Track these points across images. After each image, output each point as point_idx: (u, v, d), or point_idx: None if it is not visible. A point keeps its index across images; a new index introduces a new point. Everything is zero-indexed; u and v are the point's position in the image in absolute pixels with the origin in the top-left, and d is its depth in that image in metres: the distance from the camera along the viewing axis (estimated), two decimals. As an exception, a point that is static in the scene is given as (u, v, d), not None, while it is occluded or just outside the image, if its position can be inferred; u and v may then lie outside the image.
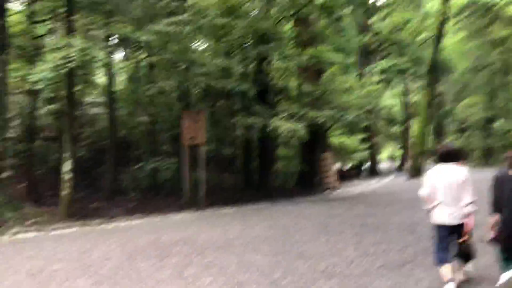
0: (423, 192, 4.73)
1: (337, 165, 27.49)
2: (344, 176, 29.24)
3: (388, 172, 34.88)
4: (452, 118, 41.82)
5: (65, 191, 10.49)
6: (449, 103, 41.82)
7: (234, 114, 14.60)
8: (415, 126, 24.54)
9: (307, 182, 19.48)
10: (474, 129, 34.35)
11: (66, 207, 10.48)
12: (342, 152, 25.68)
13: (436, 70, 23.78)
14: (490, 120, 31.68)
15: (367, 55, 30.75)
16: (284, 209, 11.73)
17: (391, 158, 41.05)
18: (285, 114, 14.15)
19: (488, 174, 5.45)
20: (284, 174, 20.15)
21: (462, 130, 36.37)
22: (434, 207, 4.62)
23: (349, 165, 32.05)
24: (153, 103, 14.20)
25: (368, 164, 33.08)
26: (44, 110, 13.48)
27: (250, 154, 17.48)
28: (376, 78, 15.19)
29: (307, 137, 13.86)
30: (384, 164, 42.81)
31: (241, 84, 13.10)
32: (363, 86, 15.31)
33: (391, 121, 38.55)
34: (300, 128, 12.66)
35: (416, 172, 23.13)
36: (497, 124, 30.15)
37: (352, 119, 14.37)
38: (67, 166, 10.52)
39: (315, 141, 19.19)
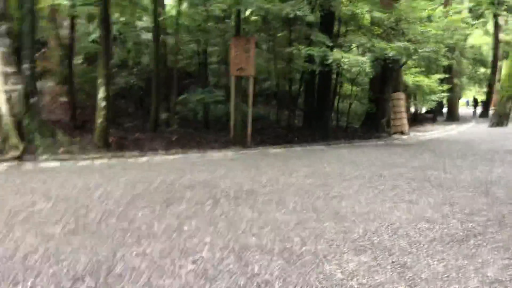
0: None
1: (411, 107, 25.17)
2: (419, 119, 26.94)
3: (469, 118, 31.88)
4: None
5: (99, 119, 9.86)
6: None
7: (292, 45, 13.06)
8: (504, 68, 21.30)
9: (373, 124, 17.78)
10: None
11: (101, 136, 9.88)
12: (418, 93, 23.27)
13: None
14: None
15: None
16: (337, 153, 10.39)
17: (475, 102, 37.21)
18: (351, 45, 12.41)
19: None
20: (349, 114, 18.47)
21: None
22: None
23: (424, 108, 29.44)
24: (204, 29, 12.94)
25: (446, 108, 30.24)
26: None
27: (312, 91, 15.94)
28: (464, 7, 12.60)
29: (373, 73, 12.10)
30: (466, 109, 39.22)
31: (301, 9, 11.42)
32: (446, 16, 12.86)
33: (478, 62, 34.56)
34: (364, 62, 10.93)
35: (501, 119, 20.43)
36: None
37: (429, 54, 12.23)
38: (102, 93, 9.81)
39: (385, 79, 17.26)
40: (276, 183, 6.43)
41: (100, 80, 9.77)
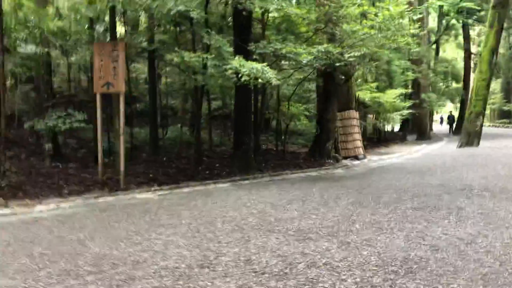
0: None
1: (377, 125, 22.35)
2: (384, 139, 24.16)
3: (443, 136, 29.27)
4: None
5: None
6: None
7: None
8: (473, 81, 18.69)
9: (318, 148, 14.84)
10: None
11: None
12: (379, 110, 20.50)
13: (505, 4, 17.48)
14: None
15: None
16: (205, 203, 7.33)
17: (451, 119, 34.64)
18: (262, 52, 9.53)
19: None
20: (285, 136, 15.59)
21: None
22: None
23: (397, 126, 26.75)
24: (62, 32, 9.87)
25: (411, 126, 27.70)
26: None
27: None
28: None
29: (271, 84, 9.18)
30: (440, 126, 36.69)
31: (184, 2, 8.51)
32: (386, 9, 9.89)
33: (449, 76, 32.18)
34: (265, 71, 8.00)
35: (470, 139, 17.65)
36: None
37: (356, 58, 9.38)
38: None
39: (328, 95, 14.39)
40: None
41: None
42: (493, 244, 4.42)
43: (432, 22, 37.84)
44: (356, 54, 9.40)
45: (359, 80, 18.83)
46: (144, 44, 11.18)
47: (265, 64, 8.23)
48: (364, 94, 18.33)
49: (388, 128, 27.89)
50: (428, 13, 26.69)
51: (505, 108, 37.40)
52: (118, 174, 8.87)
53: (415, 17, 11.74)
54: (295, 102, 17.40)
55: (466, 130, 18.22)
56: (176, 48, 8.92)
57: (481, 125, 18.14)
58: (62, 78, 15.11)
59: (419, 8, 23.84)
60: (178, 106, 19.91)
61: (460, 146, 17.98)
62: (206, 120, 17.33)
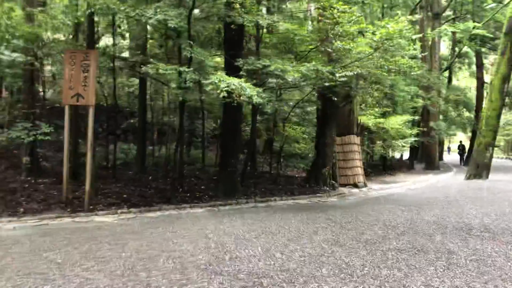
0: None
1: (383, 153, 21.36)
2: (390, 167, 23.19)
3: (453, 166, 28.21)
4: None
5: None
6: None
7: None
8: (483, 110, 17.75)
9: (314, 174, 14.01)
10: None
11: None
12: (384, 137, 19.58)
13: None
14: None
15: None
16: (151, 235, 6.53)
17: (462, 149, 33.51)
18: (247, 66, 8.84)
19: None
20: (280, 159, 14.84)
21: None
22: None
23: (397, 154, 25.76)
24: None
25: (420, 155, 26.73)
26: None
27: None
28: (405, 18, 9.01)
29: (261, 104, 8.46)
30: (447, 156, 35.55)
31: (163, 12, 7.89)
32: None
33: (460, 104, 31.19)
34: (244, 88, 7.28)
35: (479, 171, 16.66)
36: None
37: (355, 79, 8.61)
38: None
39: (326, 118, 13.64)
40: None
41: None
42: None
43: (446, 50, 37.13)
44: (348, 74, 8.65)
45: (363, 104, 18.00)
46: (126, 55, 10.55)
47: (242, 80, 7.50)
48: (368, 119, 17.49)
49: (397, 155, 26.96)
50: (440, 37, 25.90)
51: (519, 140, 36.21)
52: (94, 193, 8.16)
53: (414, 37, 10.90)
54: (293, 124, 16.68)
55: (475, 161, 17.24)
56: (151, 59, 8.24)
57: (491, 157, 17.17)
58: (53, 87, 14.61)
59: (431, 34, 23.23)
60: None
61: (468, 178, 16.99)
62: (204, 138, 16.72)
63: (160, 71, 7.60)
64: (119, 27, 13.74)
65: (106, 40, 16.02)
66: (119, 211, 8.10)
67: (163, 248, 5.09)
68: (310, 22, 13.20)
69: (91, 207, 8.14)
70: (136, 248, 5.09)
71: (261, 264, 4.49)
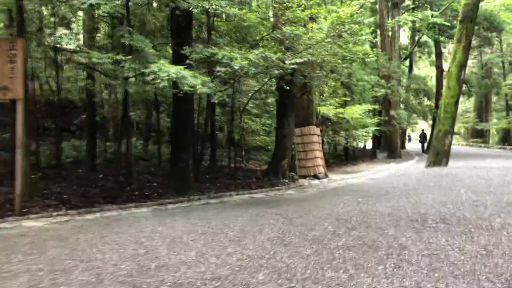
0: None
1: (338, 141, 21.17)
2: (352, 156, 23.11)
3: (415, 154, 28.52)
4: (500, 92, 34.52)
5: None
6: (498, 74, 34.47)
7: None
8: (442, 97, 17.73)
9: (274, 166, 13.62)
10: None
11: None
12: (346, 127, 19.37)
13: (473, 18, 16.62)
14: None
15: None
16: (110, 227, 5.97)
17: (423, 137, 33.95)
18: (195, 55, 8.29)
19: None
20: (238, 152, 14.41)
21: None
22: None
23: (360, 144, 25.74)
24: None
25: (383, 144, 26.80)
26: None
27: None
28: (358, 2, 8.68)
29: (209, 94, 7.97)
30: (408, 144, 35.94)
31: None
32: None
33: (421, 93, 31.50)
34: (184, 76, 6.74)
35: (438, 158, 16.64)
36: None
37: (309, 68, 8.19)
38: None
39: (284, 109, 13.25)
40: None
41: None
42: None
43: (406, 39, 37.48)
44: (298, 61, 8.22)
45: (322, 95, 17.72)
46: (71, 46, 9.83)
47: (182, 67, 6.96)
48: (328, 109, 17.23)
49: (361, 145, 26.95)
50: (399, 26, 25.96)
51: (478, 127, 37.00)
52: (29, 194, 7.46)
53: (366, 21, 10.59)
54: (254, 116, 16.26)
55: (434, 149, 17.23)
56: (84, 48, 7.59)
57: (450, 144, 17.18)
58: None
59: (390, 23, 23.19)
60: (136, 118, 18.52)
61: (428, 166, 16.96)
62: (161, 133, 16.08)
63: (94, 59, 6.96)
64: (65, 17, 12.93)
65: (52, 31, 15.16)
66: (55, 213, 7.46)
67: (84, 257, 4.52)
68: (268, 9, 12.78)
69: (24, 210, 7.47)
70: (54, 258, 4.51)
71: (190, 272, 3.99)
